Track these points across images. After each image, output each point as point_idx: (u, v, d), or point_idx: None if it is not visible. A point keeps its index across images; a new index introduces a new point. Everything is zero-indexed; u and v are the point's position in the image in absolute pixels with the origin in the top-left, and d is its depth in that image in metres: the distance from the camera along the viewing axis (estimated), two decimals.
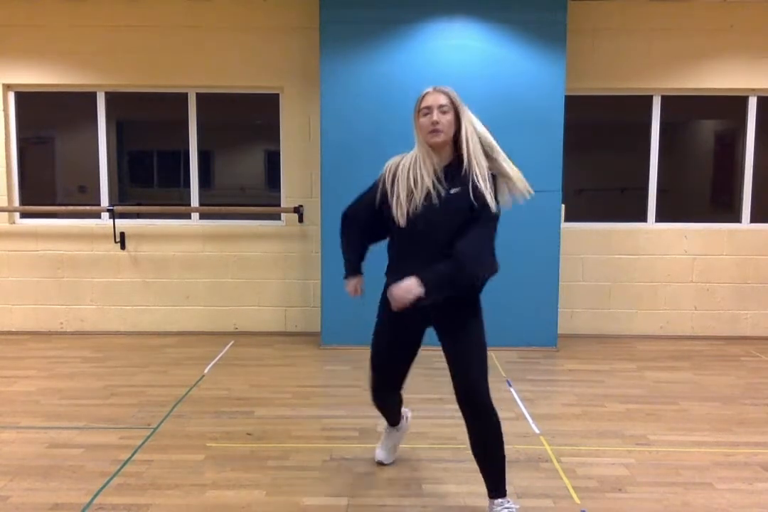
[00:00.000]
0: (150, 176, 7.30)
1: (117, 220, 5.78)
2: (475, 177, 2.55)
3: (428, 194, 2.55)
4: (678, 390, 4.47)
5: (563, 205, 5.44)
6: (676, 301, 5.90)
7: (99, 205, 5.96)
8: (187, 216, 6.00)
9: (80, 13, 5.64)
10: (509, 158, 2.72)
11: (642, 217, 5.93)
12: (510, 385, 4.52)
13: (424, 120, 2.57)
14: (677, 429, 3.75)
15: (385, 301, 2.73)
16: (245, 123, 6.97)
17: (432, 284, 2.47)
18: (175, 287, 5.91)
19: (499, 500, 2.65)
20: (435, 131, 2.55)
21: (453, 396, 4.20)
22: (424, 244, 2.57)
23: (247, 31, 5.67)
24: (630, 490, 2.99)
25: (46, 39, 5.67)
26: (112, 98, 5.93)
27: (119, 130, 6.68)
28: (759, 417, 3.94)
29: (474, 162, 2.58)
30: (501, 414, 3.92)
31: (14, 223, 5.92)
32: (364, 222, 2.76)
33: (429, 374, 4.55)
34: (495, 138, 2.73)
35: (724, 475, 3.15)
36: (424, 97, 2.61)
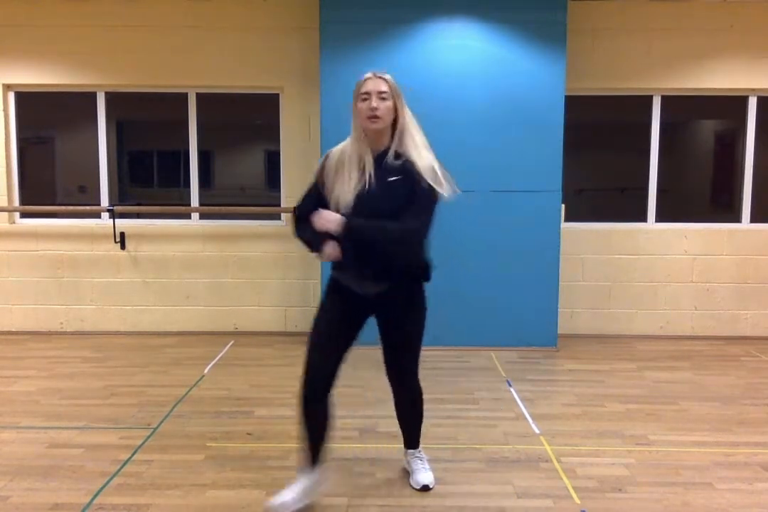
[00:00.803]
0: (150, 176, 7.31)
1: (117, 220, 5.78)
2: (414, 166, 2.56)
3: (366, 182, 2.56)
4: (678, 390, 4.47)
5: (563, 205, 5.44)
6: (676, 301, 5.90)
7: (99, 205, 5.96)
8: (187, 216, 6.00)
9: (80, 13, 5.64)
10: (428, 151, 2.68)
11: (642, 217, 5.93)
12: (510, 385, 4.52)
13: (362, 105, 2.57)
14: (677, 429, 3.75)
15: (329, 291, 2.79)
16: (245, 123, 6.98)
17: (357, 226, 2.51)
18: (175, 287, 5.91)
19: (412, 450, 3.09)
20: (373, 117, 2.54)
21: (453, 396, 4.25)
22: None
23: (247, 31, 5.67)
24: (630, 490, 2.99)
25: (46, 39, 5.67)
26: (112, 98, 5.93)
27: (119, 130, 6.69)
28: (759, 417, 3.94)
29: (414, 152, 2.59)
30: (501, 414, 3.96)
31: (14, 222, 5.92)
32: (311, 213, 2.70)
33: (430, 374, 4.55)
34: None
35: (724, 475, 3.15)
36: (363, 82, 2.59)
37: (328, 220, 2.51)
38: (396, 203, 2.54)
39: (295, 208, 2.81)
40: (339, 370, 2.76)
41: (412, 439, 3.09)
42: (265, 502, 2.80)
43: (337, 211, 2.56)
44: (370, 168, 2.58)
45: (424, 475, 2.99)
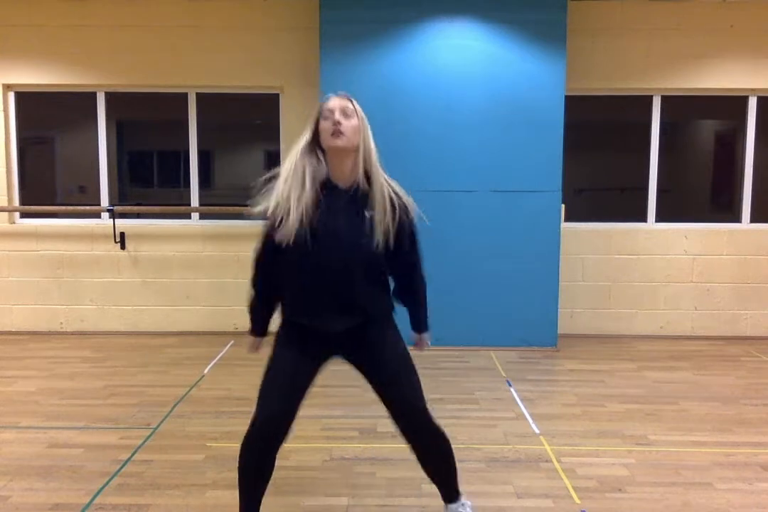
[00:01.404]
0: (150, 176, 7.29)
1: (117, 220, 5.78)
2: (387, 200, 2.32)
3: (334, 212, 2.31)
4: (678, 390, 4.47)
5: (563, 205, 5.44)
6: (676, 301, 5.90)
7: (99, 205, 5.96)
8: (187, 216, 6.00)
9: (80, 13, 5.64)
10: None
11: (642, 217, 5.93)
12: (510, 385, 4.52)
13: (325, 123, 2.31)
14: (677, 429, 3.75)
15: (281, 340, 2.53)
16: (245, 123, 6.97)
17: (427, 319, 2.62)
18: (175, 287, 5.90)
19: (454, 504, 2.60)
20: (337, 133, 2.27)
21: (453, 396, 4.25)
22: (338, 266, 2.33)
23: (247, 31, 5.67)
24: (630, 490, 2.99)
25: (46, 39, 5.67)
26: (112, 98, 5.93)
27: (119, 130, 6.68)
28: (759, 417, 3.94)
29: (385, 184, 2.34)
30: (501, 414, 3.96)
31: (14, 222, 5.92)
32: (271, 265, 2.52)
33: (430, 374, 4.55)
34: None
35: (724, 475, 3.15)
36: (326, 101, 2.36)
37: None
38: (371, 243, 2.29)
39: (256, 253, 2.55)
40: (295, 419, 2.49)
41: (449, 491, 2.59)
42: None
43: (297, 243, 2.28)
44: (342, 201, 2.32)
45: None
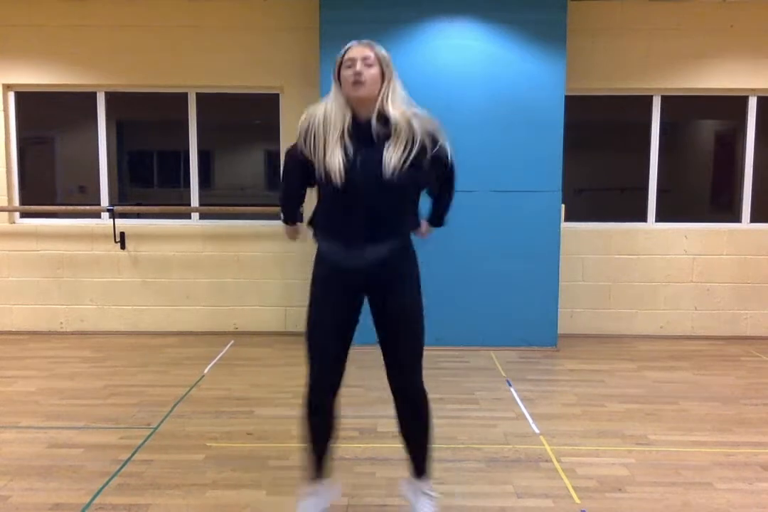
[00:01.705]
0: (150, 176, 7.30)
1: (117, 220, 5.78)
2: (414, 136, 2.39)
3: (358, 150, 2.37)
4: (678, 390, 4.47)
5: (563, 205, 5.44)
6: (676, 301, 5.90)
7: (99, 205, 5.96)
8: (187, 216, 6.00)
9: (80, 13, 5.64)
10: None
11: (642, 217, 5.93)
12: (510, 385, 4.52)
13: (346, 72, 2.36)
14: (677, 429, 3.75)
15: (319, 279, 2.52)
16: (245, 123, 6.97)
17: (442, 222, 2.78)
18: (175, 287, 5.91)
19: (418, 481, 2.62)
20: (357, 83, 2.33)
21: (453, 396, 4.25)
22: (360, 203, 2.38)
23: (247, 31, 5.67)
24: (630, 490, 2.99)
25: (46, 39, 5.67)
26: (112, 98, 5.93)
27: (119, 130, 6.69)
28: (759, 417, 3.94)
29: (404, 115, 2.39)
30: (501, 414, 3.96)
31: (14, 222, 5.92)
32: (297, 189, 2.62)
33: (430, 374, 4.54)
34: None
35: (724, 475, 3.15)
36: (347, 49, 2.40)
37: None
38: (394, 167, 2.34)
39: (282, 199, 2.72)
40: (345, 368, 2.54)
41: (416, 464, 2.61)
42: None
43: (329, 180, 2.36)
44: (357, 134, 2.38)
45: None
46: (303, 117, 2.47)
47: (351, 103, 2.40)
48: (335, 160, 2.34)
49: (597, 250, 5.86)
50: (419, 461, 2.62)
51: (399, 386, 2.55)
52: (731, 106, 5.93)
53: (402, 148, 2.36)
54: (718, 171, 6.53)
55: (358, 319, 2.55)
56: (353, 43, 2.41)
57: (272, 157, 6.22)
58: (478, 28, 5.25)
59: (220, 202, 6.36)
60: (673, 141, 6.14)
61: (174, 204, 6.26)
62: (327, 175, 2.36)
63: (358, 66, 2.34)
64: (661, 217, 5.92)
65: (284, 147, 5.84)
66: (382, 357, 2.55)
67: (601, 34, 5.65)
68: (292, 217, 2.72)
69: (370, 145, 2.38)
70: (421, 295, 2.54)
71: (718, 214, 6.34)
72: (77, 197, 6.61)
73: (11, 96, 5.88)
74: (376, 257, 2.43)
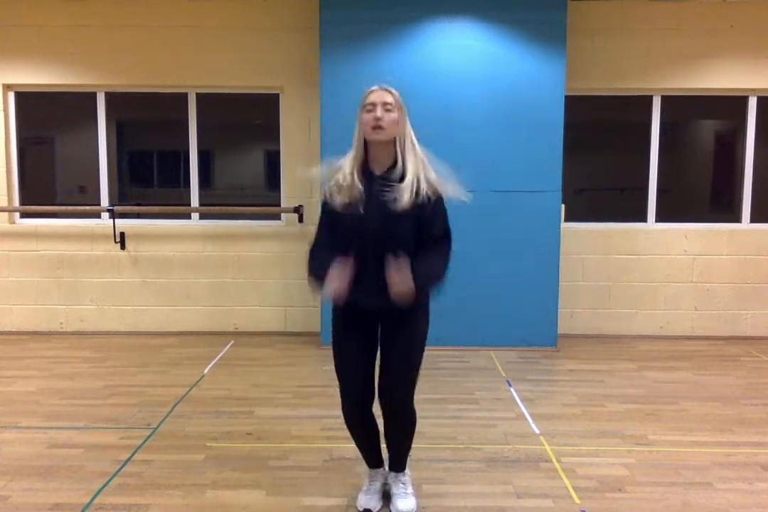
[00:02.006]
0: (150, 176, 7.29)
1: (117, 220, 5.78)
2: (424, 193, 2.53)
3: (373, 200, 2.52)
4: (678, 390, 4.47)
5: (563, 205, 5.44)
6: (676, 301, 5.90)
7: (99, 205, 5.96)
8: (187, 216, 6.00)
9: (80, 13, 5.64)
10: (429, 163, 2.64)
11: (642, 217, 5.93)
12: (510, 385, 4.52)
13: (367, 116, 2.54)
14: (677, 429, 3.75)
15: (341, 323, 2.69)
16: (245, 123, 6.96)
17: (425, 283, 2.54)
18: (175, 287, 5.91)
19: (397, 474, 2.86)
20: (378, 127, 2.50)
21: (454, 396, 4.25)
22: (372, 248, 2.52)
23: (247, 31, 5.67)
24: (630, 490, 2.99)
25: (46, 39, 5.67)
26: (112, 98, 5.93)
27: (119, 130, 6.68)
28: (759, 417, 3.94)
29: (421, 174, 2.55)
30: (501, 414, 3.96)
31: (14, 223, 5.92)
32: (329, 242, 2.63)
33: (430, 374, 4.55)
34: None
35: (724, 475, 3.15)
36: (369, 93, 2.60)
37: (402, 283, 2.43)
38: (404, 224, 2.52)
39: (311, 248, 2.67)
40: (374, 386, 2.72)
41: (399, 462, 2.86)
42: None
43: (350, 231, 2.53)
44: (376, 186, 2.53)
45: (404, 502, 2.77)
46: (324, 171, 2.65)
47: (370, 148, 2.57)
48: (355, 212, 2.51)
49: (597, 250, 5.86)
50: (402, 460, 2.86)
51: (392, 413, 2.73)
52: (731, 106, 5.93)
53: (410, 199, 2.50)
54: (718, 171, 6.52)
55: (377, 349, 2.72)
56: (374, 87, 2.61)
57: (272, 157, 6.21)
58: (478, 28, 5.25)
59: (220, 202, 6.35)
60: (673, 141, 6.14)
61: (174, 204, 6.25)
62: (350, 226, 2.52)
63: (379, 111, 2.52)
64: (661, 217, 5.92)
65: (284, 147, 5.84)
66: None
67: (601, 34, 5.65)
68: (320, 270, 2.55)
69: (378, 195, 2.51)
70: (427, 325, 2.73)
71: (718, 214, 6.34)
72: (77, 197, 6.60)
73: (11, 96, 5.88)
74: (383, 307, 2.53)
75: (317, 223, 2.72)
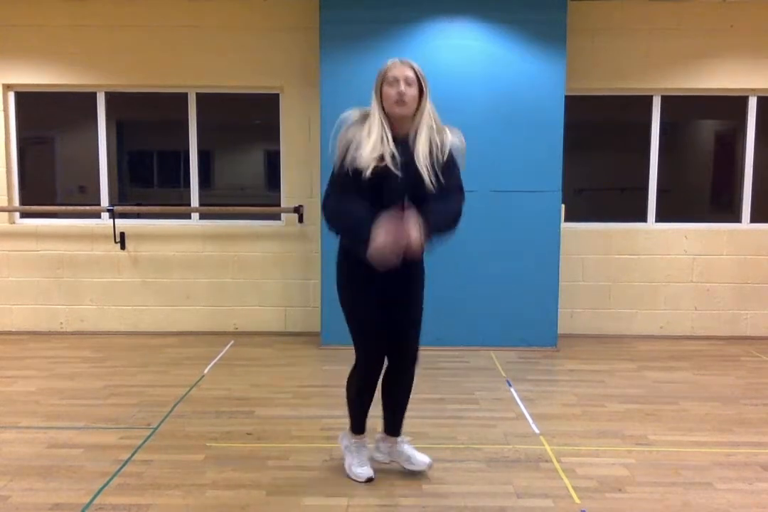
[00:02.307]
0: (150, 176, 7.30)
1: (117, 220, 5.78)
2: (438, 154, 2.70)
3: (395, 165, 2.64)
4: (678, 390, 4.47)
5: (563, 205, 5.44)
6: (676, 301, 5.90)
7: (99, 205, 5.96)
8: (187, 216, 6.00)
9: (80, 13, 5.64)
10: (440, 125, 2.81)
11: (642, 217, 5.93)
12: (510, 385, 4.52)
13: (390, 90, 2.65)
14: (677, 429, 3.75)
15: (354, 277, 2.81)
16: (245, 123, 6.97)
17: (435, 226, 2.64)
18: (175, 287, 5.91)
19: (399, 437, 3.10)
20: (401, 102, 2.63)
21: (454, 396, 4.25)
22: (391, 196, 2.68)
23: (247, 31, 5.67)
24: (630, 490, 2.99)
25: (46, 39, 5.67)
26: (112, 98, 5.93)
27: (119, 130, 6.68)
28: (759, 417, 3.94)
29: (436, 139, 2.71)
30: (501, 414, 3.96)
31: (14, 223, 5.92)
32: (353, 194, 2.70)
33: (430, 374, 4.56)
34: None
35: (724, 475, 3.15)
36: (391, 66, 2.70)
37: (410, 229, 2.52)
38: (418, 187, 2.66)
39: (328, 197, 2.75)
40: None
41: (401, 425, 3.09)
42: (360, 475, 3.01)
43: (379, 191, 2.63)
44: (390, 150, 2.65)
45: (422, 455, 3.08)
46: (341, 136, 2.68)
47: (389, 118, 2.68)
48: (372, 170, 2.60)
49: (597, 250, 5.86)
50: (399, 420, 3.07)
51: (403, 371, 2.98)
52: (731, 106, 5.93)
53: (432, 162, 2.68)
54: (718, 171, 6.53)
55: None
56: (395, 60, 2.72)
57: (272, 157, 6.21)
58: (478, 28, 5.25)
59: (220, 202, 6.36)
60: (673, 141, 6.14)
61: (174, 204, 6.26)
62: (368, 183, 2.61)
63: (402, 86, 2.63)
64: (661, 217, 5.92)
65: (284, 147, 5.84)
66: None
67: (601, 34, 5.65)
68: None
69: (401, 158, 2.65)
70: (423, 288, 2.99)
71: (718, 214, 6.34)
72: (77, 197, 6.61)
73: (11, 96, 5.88)
74: (401, 264, 2.64)
75: (333, 180, 2.73)
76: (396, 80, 2.64)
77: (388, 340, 2.90)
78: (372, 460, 3.13)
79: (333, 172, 2.76)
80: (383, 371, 2.99)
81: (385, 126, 2.68)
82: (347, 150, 2.66)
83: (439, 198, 2.70)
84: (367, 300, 2.83)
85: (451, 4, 5.23)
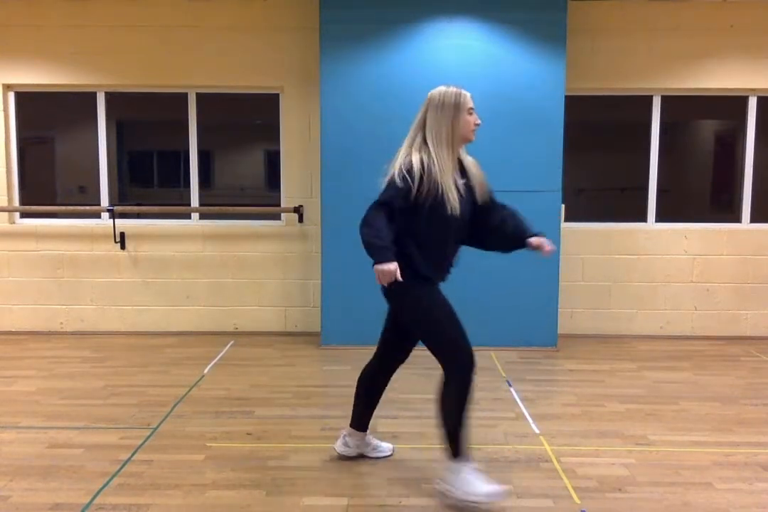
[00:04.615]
0: (150, 176, 7.30)
1: (117, 220, 5.78)
2: (476, 172, 3.03)
3: (459, 187, 2.86)
4: (678, 390, 4.47)
5: (563, 205, 5.44)
6: (676, 301, 5.90)
7: (99, 205, 5.96)
8: (187, 216, 6.00)
9: (80, 13, 5.64)
10: None
11: (642, 217, 5.93)
12: (510, 385, 4.52)
13: (470, 118, 2.86)
14: (677, 429, 3.75)
15: (427, 286, 2.89)
16: (245, 123, 6.97)
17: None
18: (175, 287, 5.91)
19: (453, 463, 2.88)
20: (474, 131, 2.92)
21: None
22: (455, 231, 2.89)
23: (246, 31, 5.67)
24: (630, 490, 2.99)
25: (46, 39, 5.67)
26: (112, 98, 5.93)
27: (119, 130, 6.69)
28: (759, 417, 3.94)
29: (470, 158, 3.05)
30: (501, 414, 3.96)
31: (14, 223, 5.92)
32: (394, 213, 2.77)
33: (430, 374, 4.55)
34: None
35: (724, 475, 3.15)
36: (467, 97, 2.87)
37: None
38: (470, 207, 2.96)
39: (381, 202, 2.76)
40: None
41: (449, 447, 2.85)
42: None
43: (448, 216, 2.80)
44: (458, 175, 2.91)
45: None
46: (417, 165, 2.77)
47: (457, 144, 2.88)
48: (453, 195, 2.79)
49: (597, 249, 5.86)
50: (449, 443, 2.84)
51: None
52: (731, 106, 5.93)
53: (477, 183, 2.99)
54: (718, 171, 6.53)
55: None
56: (463, 90, 2.89)
57: (272, 157, 6.22)
58: (478, 28, 5.25)
59: (220, 202, 6.36)
60: (673, 141, 6.14)
61: (174, 204, 6.26)
62: (451, 205, 2.79)
63: (476, 116, 2.90)
64: (661, 217, 5.92)
65: (284, 147, 5.84)
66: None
67: (601, 34, 5.65)
68: (390, 247, 2.73)
69: (460, 184, 2.88)
70: None
71: (718, 214, 6.34)
72: (77, 197, 6.61)
73: (11, 96, 5.88)
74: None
75: (385, 201, 2.75)
76: (474, 110, 2.87)
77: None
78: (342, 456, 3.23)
79: (388, 192, 2.77)
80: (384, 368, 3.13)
81: (454, 160, 2.88)
82: (422, 179, 2.75)
83: (503, 210, 3.05)
84: (444, 300, 2.89)
85: (451, 4, 5.23)
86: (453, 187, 2.79)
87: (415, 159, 2.78)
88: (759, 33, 5.63)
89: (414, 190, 2.75)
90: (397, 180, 2.75)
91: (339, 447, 3.25)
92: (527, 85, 5.26)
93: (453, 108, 2.82)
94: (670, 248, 5.86)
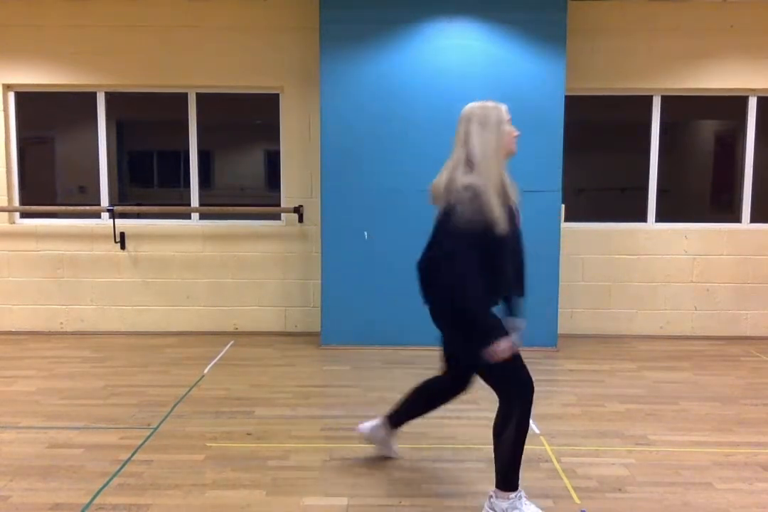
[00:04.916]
0: (150, 176, 7.31)
1: (117, 220, 5.78)
2: (514, 197, 2.88)
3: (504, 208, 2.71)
4: (678, 390, 4.47)
5: (563, 205, 5.44)
6: (676, 301, 5.90)
7: (99, 205, 5.96)
8: (187, 216, 6.00)
9: (80, 13, 5.64)
10: None
11: (642, 217, 5.93)
12: None
13: (510, 129, 2.77)
14: (677, 429, 3.75)
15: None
16: (245, 123, 6.98)
17: None
18: (175, 287, 5.91)
19: (496, 494, 2.78)
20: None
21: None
22: (510, 255, 2.83)
23: (246, 31, 5.67)
24: (630, 490, 2.99)
25: (46, 39, 5.67)
26: (112, 98, 5.93)
27: (119, 130, 6.69)
28: (759, 417, 3.94)
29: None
30: None
31: (14, 223, 5.92)
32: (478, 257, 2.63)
33: (429, 374, 4.54)
34: None
35: (724, 475, 3.15)
36: (502, 109, 2.77)
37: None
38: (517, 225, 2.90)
39: (468, 245, 2.60)
40: None
41: (497, 475, 2.78)
42: None
43: (502, 238, 2.66)
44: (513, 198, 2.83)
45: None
46: (473, 191, 2.62)
47: (503, 159, 2.80)
48: (503, 215, 2.65)
49: (597, 249, 5.86)
50: (497, 471, 2.78)
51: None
52: (731, 106, 5.93)
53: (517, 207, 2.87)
54: (718, 171, 6.53)
55: None
56: (497, 102, 2.79)
57: (272, 157, 6.22)
58: (478, 28, 5.25)
59: (220, 202, 6.36)
60: (673, 141, 6.14)
61: (174, 204, 6.26)
62: (497, 228, 2.62)
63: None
64: (661, 217, 5.92)
65: (284, 147, 5.83)
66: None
67: (601, 34, 5.65)
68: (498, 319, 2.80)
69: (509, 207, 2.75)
70: None
71: (718, 214, 6.34)
72: (77, 197, 6.62)
73: (11, 96, 5.88)
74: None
75: (458, 249, 2.60)
76: (510, 120, 2.78)
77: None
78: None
79: (462, 229, 2.60)
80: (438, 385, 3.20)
81: (503, 176, 2.79)
82: (481, 207, 2.60)
83: (519, 252, 3.05)
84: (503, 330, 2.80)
85: (451, 4, 5.23)
86: (500, 207, 2.65)
87: (472, 181, 2.63)
88: (759, 33, 5.64)
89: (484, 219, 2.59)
90: (469, 213, 2.57)
91: (368, 429, 3.24)
92: (527, 85, 5.26)
93: (496, 123, 2.75)
94: (670, 248, 5.86)
